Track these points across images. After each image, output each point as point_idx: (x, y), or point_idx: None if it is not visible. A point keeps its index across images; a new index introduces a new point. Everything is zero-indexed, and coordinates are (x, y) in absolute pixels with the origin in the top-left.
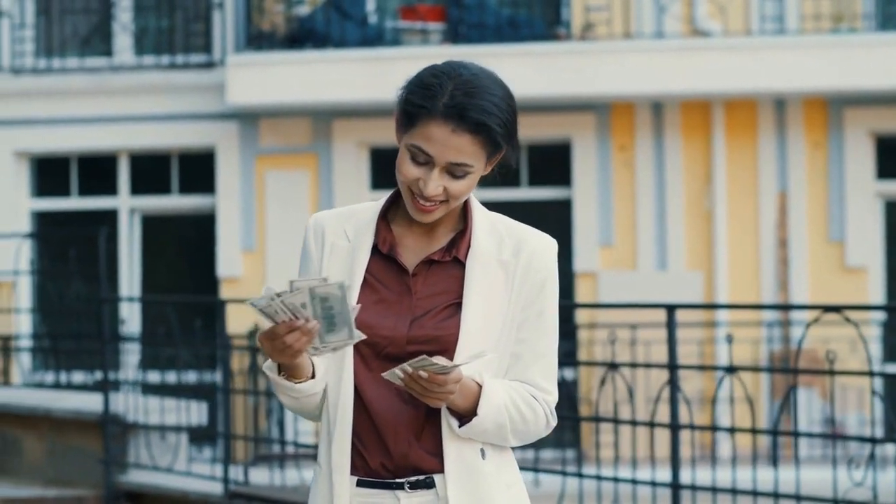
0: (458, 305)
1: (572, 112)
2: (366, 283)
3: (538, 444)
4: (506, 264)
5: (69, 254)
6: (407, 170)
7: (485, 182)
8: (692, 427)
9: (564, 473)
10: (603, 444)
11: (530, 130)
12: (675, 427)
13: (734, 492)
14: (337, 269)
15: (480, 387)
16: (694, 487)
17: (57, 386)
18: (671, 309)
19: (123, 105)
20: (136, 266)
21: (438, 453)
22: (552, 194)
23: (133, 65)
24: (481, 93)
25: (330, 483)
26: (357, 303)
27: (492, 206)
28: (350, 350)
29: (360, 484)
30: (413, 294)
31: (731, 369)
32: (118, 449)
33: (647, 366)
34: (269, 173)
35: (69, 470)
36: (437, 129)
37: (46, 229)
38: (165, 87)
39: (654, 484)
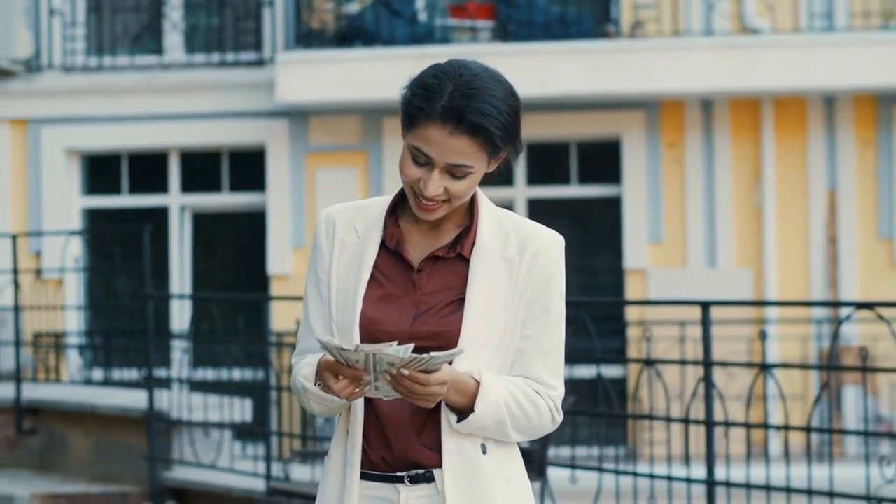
0: (461, 301)
1: (622, 110)
2: (372, 279)
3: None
4: (510, 261)
5: (118, 251)
6: (408, 170)
7: (490, 180)
8: (726, 424)
9: (601, 470)
10: (651, 441)
11: (580, 128)
12: (709, 424)
13: (768, 488)
14: (346, 264)
15: (479, 383)
16: (729, 484)
17: (107, 383)
18: (705, 306)
19: (174, 103)
20: (187, 263)
21: (438, 448)
22: (602, 192)
23: (183, 63)
24: (480, 94)
25: (342, 478)
26: (363, 298)
27: (541, 203)
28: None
29: (363, 477)
30: (418, 290)
31: (765, 366)
32: (163, 445)
33: (682, 362)
34: (319, 171)
35: (114, 466)
36: (435, 131)
37: (93, 227)
38: (216, 84)
39: (688, 480)
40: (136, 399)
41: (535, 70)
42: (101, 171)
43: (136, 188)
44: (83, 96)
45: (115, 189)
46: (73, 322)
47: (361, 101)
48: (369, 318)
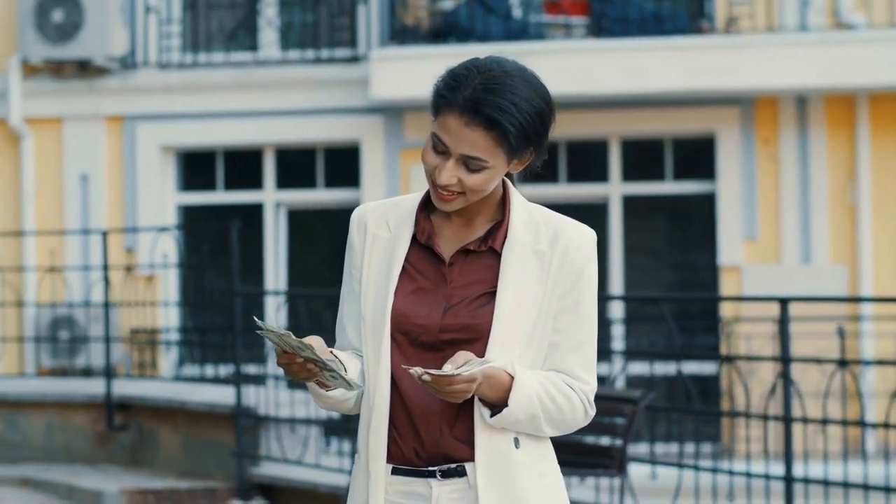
0: (492, 294)
1: (716, 106)
2: (404, 272)
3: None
4: (542, 255)
5: (206, 247)
6: (427, 157)
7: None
8: (805, 420)
9: (681, 466)
10: (748, 437)
11: (674, 125)
12: (787, 420)
13: (846, 485)
14: (378, 259)
15: (513, 378)
16: (807, 481)
17: (202, 379)
18: (784, 302)
19: (269, 100)
20: (282, 260)
21: (470, 442)
22: (696, 188)
23: (278, 59)
24: (503, 90)
25: (367, 471)
26: (395, 292)
27: (635, 200)
28: (387, 338)
29: (394, 472)
30: (448, 283)
31: (843, 363)
32: (250, 442)
33: (759, 359)
34: (413, 167)
35: (203, 462)
36: (453, 120)
37: (186, 223)
38: (310, 81)
39: (767, 477)
40: (224, 395)
41: (629, 66)
42: (196, 167)
43: (231, 185)
44: (178, 93)
45: (210, 186)
46: (169, 318)
47: None
48: (400, 312)
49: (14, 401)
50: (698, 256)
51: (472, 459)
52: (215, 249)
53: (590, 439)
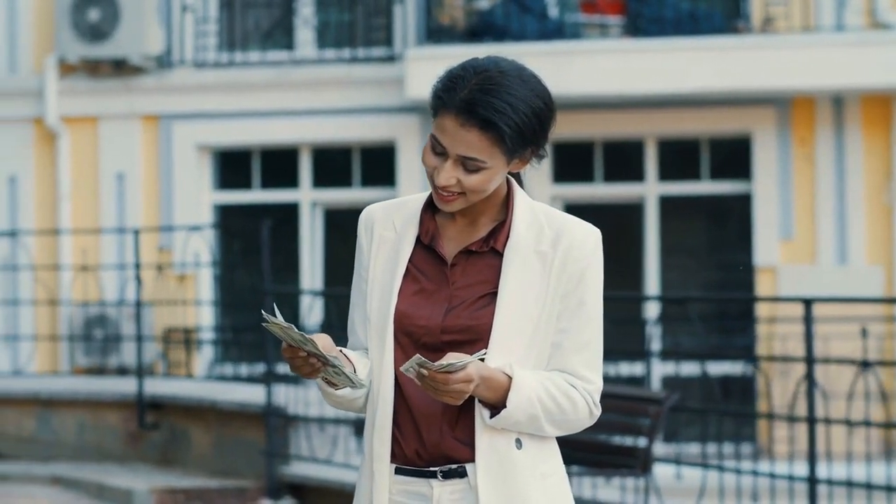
0: (493, 295)
1: (752, 106)
2: (408, 273)
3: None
4: (544, 254)
5: (240, 246)
6: (426, 158)
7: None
8: (827, 421)
9: (706, 466)
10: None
11: (710, 125)
12: (811, 421)
13: (869, 487)
14: (383, 260)
15: (511, 379)
16: (831, 482)
17: (233, 378)
18: (808, 303)
19: (305, 99)
20: (318, 259)
21: (471, 443)
22: (732, 188)
23: (314, 58)
24: (498, 91)
25: (371, 471)
26: (399, 293)
27: (672, 199)
28: (390, 340)
29: (398, 472)
30: (451, 284)
31: (866, 364)
32: (280, 441)
33: (784, 359)
34: None
35: (234, 461)
36: (449, 121)
37: (220, 222)
38: (346, 80)
39: (790, 478)
40: (255, 395)
41: (666, 66)
42: (232, 166)
43: (267, 184)
44: (214, 92)
45: (246, 185)
46: (203, 317)
47: None
48: (403, 313)
49: (46, 399)
50: (734, 256)
51: (473, 460)
52: (249, 248)
53: (615, 439)
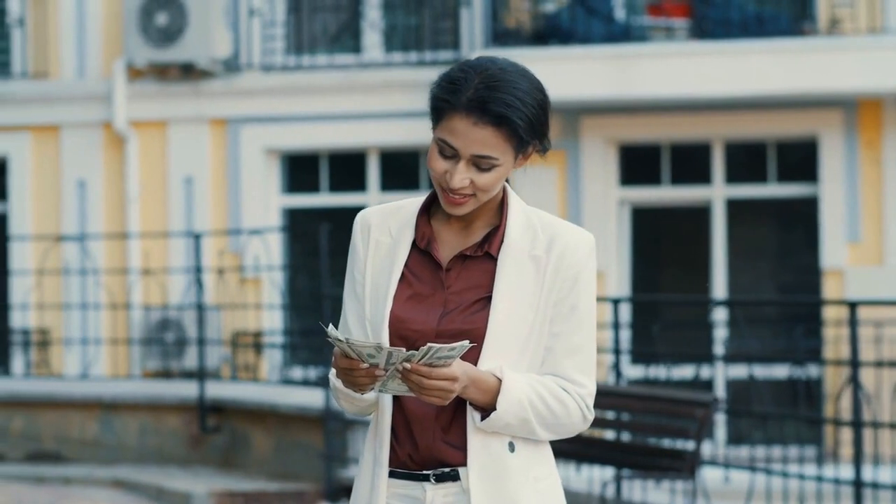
0: (488, 300)
1: (819, 108)
2: (403, 278)
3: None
4: (538, 259)
5: (306, 250)
6: (435, 163)
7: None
8: (875, 424)
9: (753, 469)
10: (845, 442)
11: (777, 126)
12: (857, 424)
13: None
14: (378, 264)
15: (501, 381)
16: (876, 486)
17: (292, 382)
18: (853, 306)
19: (372, 102)
20: None
21: (464, 447)
22: (799, 191)
23: (382, 62)
24: (504, 86)
25: (371, 476)
26: (394, 298)
27: (739, 202)
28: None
29: (391, 475)
30: (446, 288)
31: None
32: (338, 444)
33: (837, 363)
34: (516, 171)
35: (293, 464)
36: (460, 122)
37: (287, 226)
38: (414, 84)
39: (836, 482)
40: (314, 398)
41: (732, 68)
42: (300, 170)
43: (335, 187)
44: (282, 96)
45: (314, 188)
46: (272, 321)
47: (558, 100)
48: (397, 317)
49: (109, 403)
50: (802, 259)
51: (465, 464)
52: (313, 251)
53: (665, 442)
